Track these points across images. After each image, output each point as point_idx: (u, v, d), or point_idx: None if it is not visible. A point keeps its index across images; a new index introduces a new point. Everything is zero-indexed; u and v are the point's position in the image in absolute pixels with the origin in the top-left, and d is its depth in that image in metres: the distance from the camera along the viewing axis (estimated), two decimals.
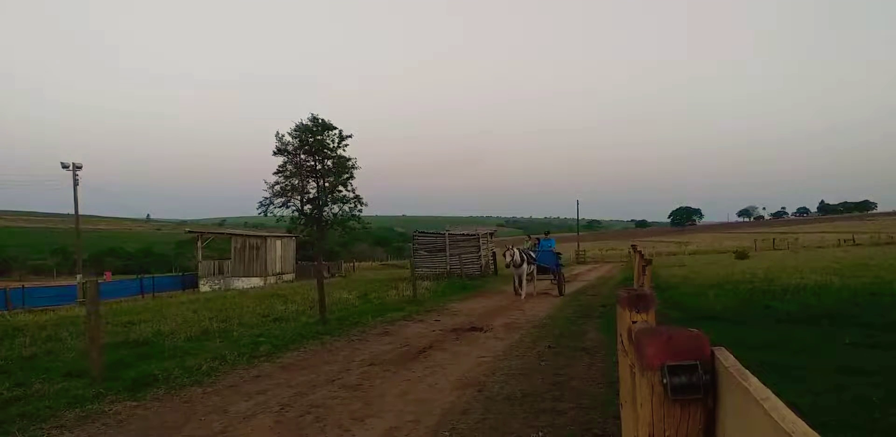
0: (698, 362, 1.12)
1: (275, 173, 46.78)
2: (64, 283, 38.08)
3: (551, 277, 16.67)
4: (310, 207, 47.35)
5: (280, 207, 47.05)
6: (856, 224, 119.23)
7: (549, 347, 7.90)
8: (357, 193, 48.08)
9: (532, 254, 15.87)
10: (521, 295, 14.88)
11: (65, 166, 35.41)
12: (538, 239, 18.13)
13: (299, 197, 47.37)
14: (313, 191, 47.70)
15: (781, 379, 5.07)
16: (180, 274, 40.29)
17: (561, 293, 15.71)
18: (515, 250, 14.74)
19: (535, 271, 15.93)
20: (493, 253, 27.88)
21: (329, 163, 47.59)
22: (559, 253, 17.63)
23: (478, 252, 26.00)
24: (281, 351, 7.89)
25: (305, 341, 8.61)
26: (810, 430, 0.76)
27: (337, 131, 47.82)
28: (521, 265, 14.79)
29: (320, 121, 47.33)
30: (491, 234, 30.75)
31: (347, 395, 5.61)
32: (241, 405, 5.31)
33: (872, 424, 4.00)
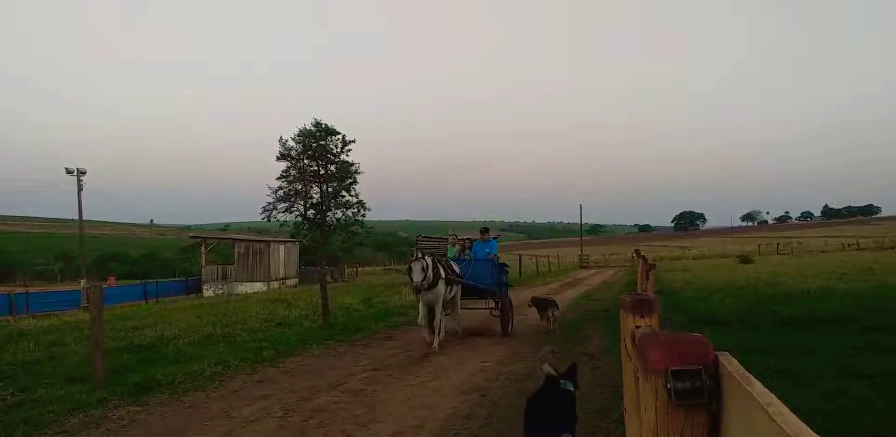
0: (702, 367, 1.12)
1: (278, 178, 46.93)
2: (68, 288, 38.10)
3: (491, 304, 10.15)
4: (313, 212, 47.40)
5: (283, 212, 47.17)
6: (860, 229, 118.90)
7: (553, 352, 7.89)
8: (360, 197, 48.20)
9: (454, 267, 9.29)
10: (430, 343, 8.22)
11: (69, 172, 35.58)
12: (467, 240, 11.02)
13: (302, 202, 47.45)
14: (316, 196, 47.76)
15: (785, 384, 5.05)
16: (184, 279, 40.28)
17: (505, 331, 9.45)
18: (427, 259, 8.12)
19: (458, 295, 9.48)
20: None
21: (332, 168, 47.68)
22: (505, 264, 10.81)
23: None
24: (284, 356, 7.89)
25: (309, 346, 8.60)
26: (814, 435, 0.77)
27: (340, 136, 47.95)
28: (435, 287, 8.28)
29: (323, 126, 47.45)
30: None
31: (351, 400, 5.61)
32: (244, 410, 5.31)
33: (876, 428, 3.98)
